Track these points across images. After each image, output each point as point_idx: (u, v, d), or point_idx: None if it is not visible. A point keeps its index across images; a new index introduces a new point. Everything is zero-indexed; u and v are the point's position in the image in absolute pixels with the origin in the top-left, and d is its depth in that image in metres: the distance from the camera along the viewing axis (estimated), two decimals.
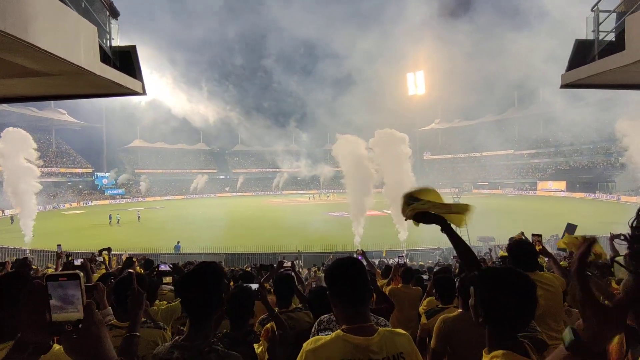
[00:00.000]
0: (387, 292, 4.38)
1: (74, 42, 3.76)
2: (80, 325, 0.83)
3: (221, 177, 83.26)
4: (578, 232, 14.83)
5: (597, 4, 4.33)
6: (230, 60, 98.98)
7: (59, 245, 6.54)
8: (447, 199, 1.89)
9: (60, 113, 66.94)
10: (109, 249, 5.97)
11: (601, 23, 4.37)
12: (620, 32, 3.93)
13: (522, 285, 1.21)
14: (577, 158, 59.16)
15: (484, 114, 78.82)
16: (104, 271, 5.19)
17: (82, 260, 4.41)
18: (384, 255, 18.17)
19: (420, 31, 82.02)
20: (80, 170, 66.14)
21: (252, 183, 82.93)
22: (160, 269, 4.24)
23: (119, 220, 34.79)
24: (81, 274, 0.85)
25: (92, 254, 6.50)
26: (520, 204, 42.60)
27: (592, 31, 4.38)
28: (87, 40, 4.01)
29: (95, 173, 67.21)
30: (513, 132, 73.31)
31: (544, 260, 4.25)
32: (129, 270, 1.85)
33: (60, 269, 4.50)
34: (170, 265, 4.46)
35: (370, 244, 19.98)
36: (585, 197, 49.20)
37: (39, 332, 0.85)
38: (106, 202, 60.18)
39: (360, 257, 9.02)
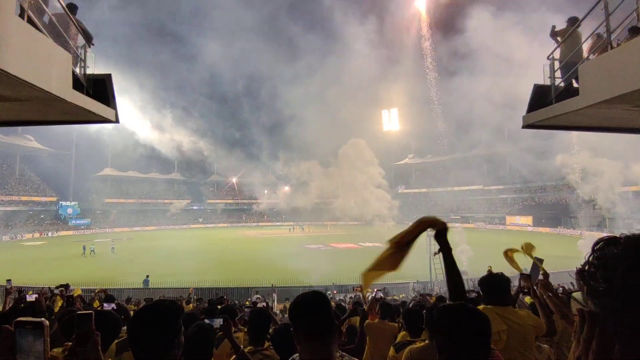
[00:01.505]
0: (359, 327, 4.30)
1: (46, 68, 3.71)
2: None
3: (195, 207, 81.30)
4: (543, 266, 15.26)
5: (552, 53, 4.74)
6: (204, 91, 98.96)
7: (8, 281, 6.04)
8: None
9: (26, 139, 64.46)
10: (66, 286, 5.58)
11: (556, 70, 4.76)
12: (570, 79, 4.30)
13: (472, 320, 1.30)
14: (542, 194, 61.97)
15: (454, 151, 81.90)
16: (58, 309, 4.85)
17: (36, 295, 4.10)
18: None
19: (395, 71, 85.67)
20: (43, 199, 62.86)
21: (227, 214, 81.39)
22: (104, 308, 3.94)
23: (93, 251, 33.11)
24: (46, 324, 0.81)
25: (49, 288, 6.03)
26: (491, 238, 43.60)
27: (549, 77, 4.76)
28: (60, 67, 3.97)
29: (60, 202, 64.01)
30: (481, 168, 76.26)
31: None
32: (80, 312, 1.70)
33: (10, 305, 4.16)
34: (114, 306, 4.18)
35: (345, 278, 19.73)
36: (551, 232, 51.10)
37: None
38: (70, 232, 57.13)
39: (357, 294, 8.80)
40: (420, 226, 1.82)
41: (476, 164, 76.80)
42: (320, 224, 70.68)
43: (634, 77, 3.05)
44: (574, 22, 5.19)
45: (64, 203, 63.98)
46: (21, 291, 6.64)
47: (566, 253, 23.26)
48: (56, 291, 5.91)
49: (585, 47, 4.61)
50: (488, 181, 72.07)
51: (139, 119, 68.62)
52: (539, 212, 57.85)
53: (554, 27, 5.55)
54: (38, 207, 61.35)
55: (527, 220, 58.50)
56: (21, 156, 65.29)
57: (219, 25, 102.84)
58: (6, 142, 59.59)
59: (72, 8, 4.97)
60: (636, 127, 4.54)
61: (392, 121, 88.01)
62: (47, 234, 53.99)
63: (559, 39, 5.13)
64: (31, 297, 3.87)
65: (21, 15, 3.59)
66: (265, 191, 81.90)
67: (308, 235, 52.38)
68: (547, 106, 4.53)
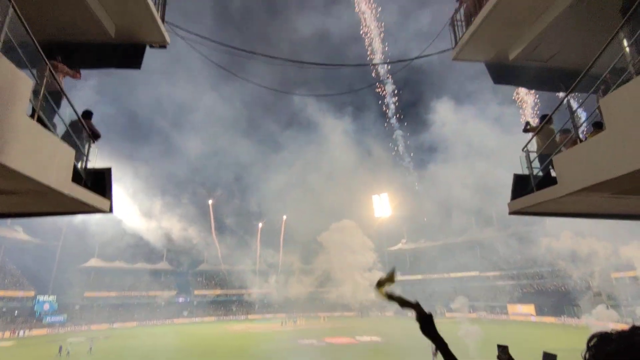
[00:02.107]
0: None
1: (48, 163, 3.85)
2: None
3: (180, 300, 76.73)
4: None
5: (526, 145, 5.11)
6: (193, 179, 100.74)
7: None
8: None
9: (14, 231, 63.15)
10: None
11: (533, 160, 5.08)
12: (547, 169, 4.58)
13: None
14: (540, 281, 60.31)
15: (446, 236, 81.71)
16: None
17: None
18: None
19: (381, 160, 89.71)
20: (20, 294, 58.62)
21: (214, 306, 76.71)
22: None
23: (69, 352, 30.47)
24: None
25: None
26: (495, 330, 41.08)
27: (527, 167, 5.06)
28: (62, 162, 4.12)
29: (37, 297, 59.90)
30: (475, 254, 75.21)
31: None
32: None
33: None
34: None
35: None
36: (556, 322, 48.60)
37: None
38: (43, 331, 52.55)
39: None
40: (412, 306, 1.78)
41: (469, 249, 76.14)
42: (313, 316, 66.74)
43: (603, 168, 3.27)
44: (544, 117, 5.72)
45: (40, 298, 59.92)
46: None
47: (575, 345, 21.86)
48: None
49: (558, 139, 5.02)
50: (483, 267, 70.53)
51: (127, 207, 68.77)
52: (541, 300, 55.65)
53: (527, 123, 6.11)
54: (13, 303, 57.12)
55: (529, 309, 56.00)
56: (5, 248, 63.11)
57: (204, 120, 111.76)
58: None
59: (88, 114, 5.45)
60: (617, 213, 4.70)
61: (383, 207, 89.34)
62: (19, 333, 49.55)
63: (531, 134, 5.59)
64: None
65: (32, 115, 3.86)
66: (256, 280, 78.84)
67: (301, 329, 48.93)
68: (529, 194, 4.73)
